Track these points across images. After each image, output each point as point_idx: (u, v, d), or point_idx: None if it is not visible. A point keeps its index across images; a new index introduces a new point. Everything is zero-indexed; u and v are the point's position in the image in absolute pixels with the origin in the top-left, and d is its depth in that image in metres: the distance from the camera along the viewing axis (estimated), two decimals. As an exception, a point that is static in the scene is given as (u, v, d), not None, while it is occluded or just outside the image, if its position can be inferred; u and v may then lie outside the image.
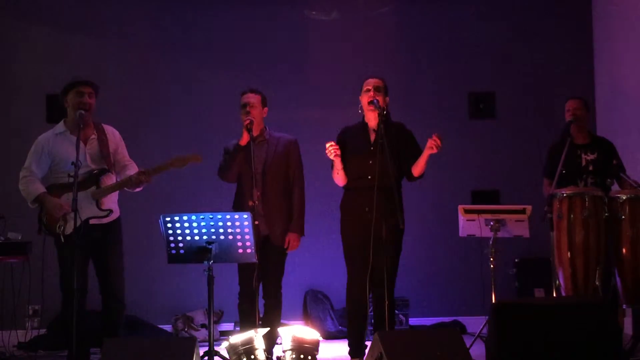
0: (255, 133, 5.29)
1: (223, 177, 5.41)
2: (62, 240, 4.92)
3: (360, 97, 5.31)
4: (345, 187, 5.31)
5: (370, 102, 5.17)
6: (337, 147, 5.06)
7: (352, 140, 5.29)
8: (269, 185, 5.29)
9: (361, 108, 5.30)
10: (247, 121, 5.21)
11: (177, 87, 7.16)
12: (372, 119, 5.25)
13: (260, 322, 5.00)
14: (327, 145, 5.03)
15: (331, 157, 5.07)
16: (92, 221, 4.97)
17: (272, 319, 5.27)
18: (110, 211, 5.03)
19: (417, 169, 5.22)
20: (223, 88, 6.98)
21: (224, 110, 6.86)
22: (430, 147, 5.01)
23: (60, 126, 5.17)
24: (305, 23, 7.34)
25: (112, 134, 5.25)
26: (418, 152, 5.19)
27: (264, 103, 5.40)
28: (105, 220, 5.03)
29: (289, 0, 7.33)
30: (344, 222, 5.29)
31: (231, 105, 5.45)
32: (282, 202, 5.35)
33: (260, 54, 7.17)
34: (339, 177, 5.23)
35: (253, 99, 5.34)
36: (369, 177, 5.06)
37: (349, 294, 5.22)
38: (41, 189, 5.04)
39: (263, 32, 7.24)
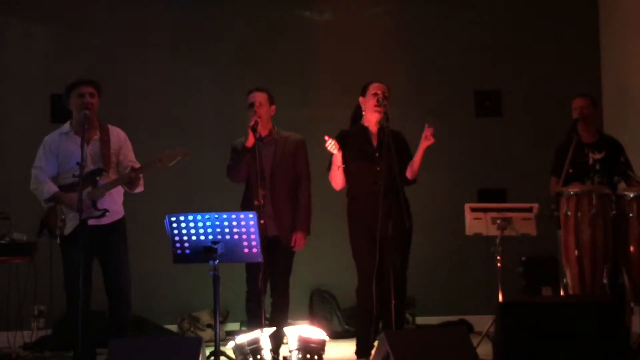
0: (263, 133, 5.28)
1: (232, 178, 5.37)
2: (59, 242, 4.95)
3: (362, 99, 5.29)
4: (352, 195, 5.28)
5: (378, 104, 5.14)
6: (337, 143, 5.02)
7: (354, 146, 5.25)
8: (278, 185, 5.27)
9: (363, 110, 5.28)
10: (252, 122, 5.19)
11: (180, 86, 7.14)
12: (373, 122, 5.23)
13: (267, 322, 4.99)
14: (327, 139, 4.98)
15: (334, 151, 5.03)
16: (92, 222, 4.93)
17: (279, 318, 5.26)
18: (106, 211, 4.95)
19: (413, 166, 5.19)
20: (226, 88, 6.98)
21: (227, 110, 6.85)
22: (426, 136, 4.99)
23: (66, 126, 5.15)
24: (309, 23, 7.32)
25: (117, 134, 5.20)
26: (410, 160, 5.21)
27: (271, 101, 5.36)
28: (105, 221, 4.99)
29: (293, 0, 7.33)
30: (354, 230, 5.25)
31: (234, 104, 5.43)
32: (291, 202, 5.33)
33: (262, 54, 7.16)
34: (338, 177, 5.20)
35: (260, 97, 5.31)
36: (379, 182, 5.01)
37: (359, 295, 5.20)
38: (55, 187, 4.99)
39: (266, 32, 7.23)
